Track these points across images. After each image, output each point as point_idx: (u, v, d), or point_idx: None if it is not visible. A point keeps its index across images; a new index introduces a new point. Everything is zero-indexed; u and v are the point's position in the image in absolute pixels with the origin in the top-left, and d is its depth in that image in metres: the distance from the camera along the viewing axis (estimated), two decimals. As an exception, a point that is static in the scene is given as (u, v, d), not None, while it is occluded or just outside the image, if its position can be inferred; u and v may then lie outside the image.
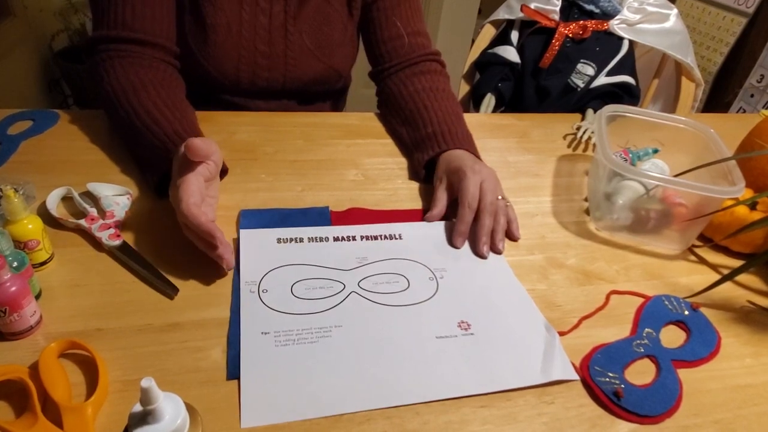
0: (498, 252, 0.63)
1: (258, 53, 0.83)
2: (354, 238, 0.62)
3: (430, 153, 0.72)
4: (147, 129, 0.64)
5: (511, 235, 0.66)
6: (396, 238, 0.63)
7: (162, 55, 0.75)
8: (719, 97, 2.27)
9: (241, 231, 0.61)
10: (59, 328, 0.48)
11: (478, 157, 0.73)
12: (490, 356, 0.50)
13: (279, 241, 0.60)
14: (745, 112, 2.16)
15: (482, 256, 0.62)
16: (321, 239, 0.61)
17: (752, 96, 2.12)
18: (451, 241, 0.64)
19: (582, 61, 1.07)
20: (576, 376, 0.49)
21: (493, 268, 0.61)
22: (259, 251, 0.58)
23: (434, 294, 0.56)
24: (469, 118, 0.97)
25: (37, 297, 0.50)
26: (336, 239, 0.62)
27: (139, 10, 0.72)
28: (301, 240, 0.61)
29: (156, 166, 0.62)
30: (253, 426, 0.42)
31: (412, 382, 0.46)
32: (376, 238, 0.63)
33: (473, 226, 0.64)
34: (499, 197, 0.66)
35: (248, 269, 0.56)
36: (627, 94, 1.07)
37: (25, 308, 0.45)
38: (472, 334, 0.52)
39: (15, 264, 0.47)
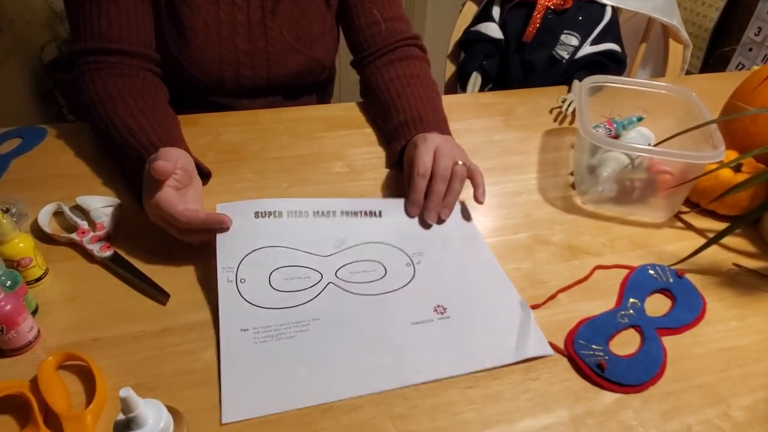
0: (440, 221, 0.63)
1: (239, 52, 0.83)
2: (334, 213, 0.62)
3: (402, 142, 0.72)
4: (123, 140, 0.65)
5: (475, 200, 0.65)
6: (375, 216, 0.63)
7: (141, 63, 0.75)
8: (718, 53, 2.23)
9: (218, 206, 0.59)
10: (57, 341, 0.50)
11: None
12: (465, 338, 0.51)
13: (257, 215, 0.59)
14: (743, 67, 2.12)
15: (427, 224, 0.63)
16: (300, 213, 0.61)
17: (750, 50, 2.08)
18: (407, 210, 0.64)
19: (565, 31, 1.06)
20: (551, 351, 0.50)
21: (471, 249, 0.62)
22: (236, 227, 0.57)
23: (410, 280, 0.57)
24: (454, 99, 0.97)
25: (34, 313, 0.52)
26: (316, 214, 0.61)
27: (114, 19, 0.73)
28: (280, 214, 0.60)
29: (134, 176, 0.63)
30: (234, 421, 0.44)
31: (389, 369, 0.48)
32: (356, 214, 0.62)
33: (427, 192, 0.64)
34: (460, 162, 0.64)
35: (225, 251, 0.55)
36: (613, 62, 1.05)
37: (21, 325, 0.47)
38: (447, 317, 0.53)
39: (8, 283, 0.48)
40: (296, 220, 0.60)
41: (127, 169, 0.66)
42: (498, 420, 0.44)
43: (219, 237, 0.56)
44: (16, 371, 0.47)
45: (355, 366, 0.48)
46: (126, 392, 0.29)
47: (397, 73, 0.81)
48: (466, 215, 0.66)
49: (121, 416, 0.30)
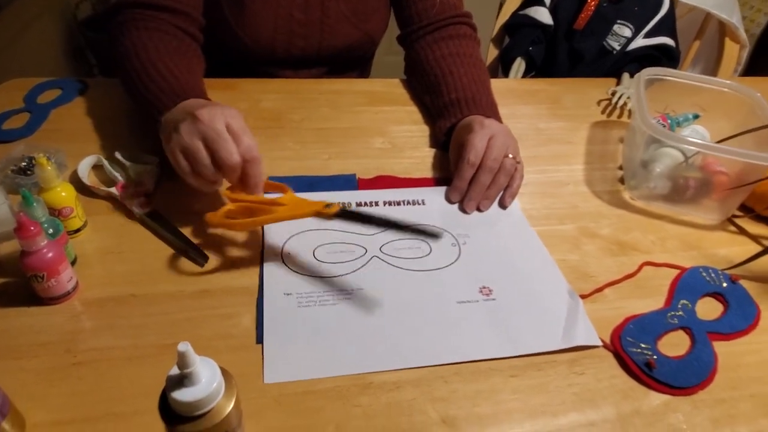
0: (479, 210, 0.63)
1: (294, 21, 0.81)
2: (377, 203, 0.62)
3: (452, 120, 0.70)
4: (150, 83, 0.61)
5: (501, 200, 0.64)
6: (419, 204, 0.63)
7: (185, 25, 0.72)
8: (763, 60, 2.15)
9: (266, 197, 0.60)
10: (95, 294, 0.49)
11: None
12: (511, 321, 0.49)
13: None
14: (789, 75, 2.05)
15: (464, 212, 0.62)
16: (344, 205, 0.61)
17: (799, 57, 2.01)
18: (447, 196, 0.64)
19: (619, 21, 1.02)
20: (599, 342, 0.48)
21: (518, 233, 0.60)
22: None
23: (456, 260, 0.56)
24: (498, 84, 0.94)
25: (73, 263, 0.51)
26: (359, 205, 0.62)
27: None
28: None
29: (151, 120, 0.60)
30: (275, 382, 0.43)
31: (431, 345, 0.47)
32: (399, 203, 0.62)
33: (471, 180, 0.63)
34: (510, 155, 0.63)
35: (272, 233, 0.56)
36: (666, 57, 1.01)
37: (61, 274, 0.46)
38: (493, 299, 0.51)
39: (51, 231, 0.47)
40: None
41: (146, 114, 0.62)
42: (543, 411, 0.43)
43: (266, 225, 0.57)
44: (54, 321, 0.47)
45: (397, 339, 0.47)
46: (185, 347, 0.28)
47: (450, 51, 0.79)
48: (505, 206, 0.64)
49: (175, 370, 0.29)
